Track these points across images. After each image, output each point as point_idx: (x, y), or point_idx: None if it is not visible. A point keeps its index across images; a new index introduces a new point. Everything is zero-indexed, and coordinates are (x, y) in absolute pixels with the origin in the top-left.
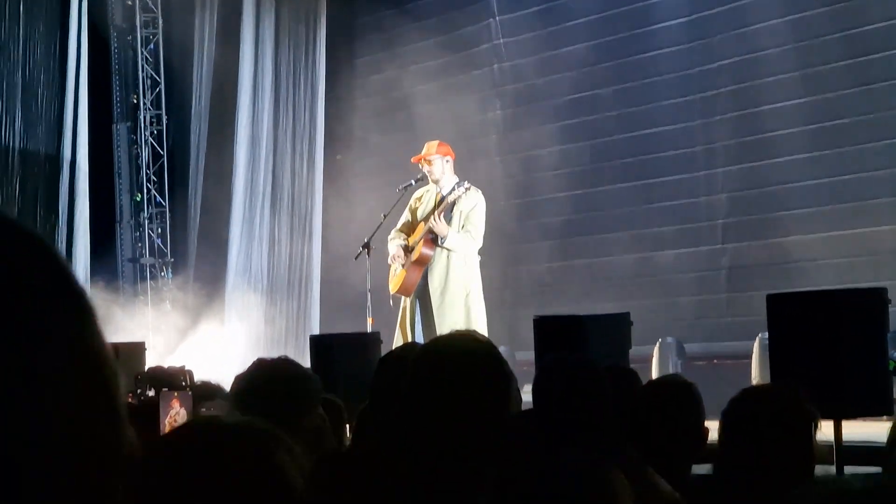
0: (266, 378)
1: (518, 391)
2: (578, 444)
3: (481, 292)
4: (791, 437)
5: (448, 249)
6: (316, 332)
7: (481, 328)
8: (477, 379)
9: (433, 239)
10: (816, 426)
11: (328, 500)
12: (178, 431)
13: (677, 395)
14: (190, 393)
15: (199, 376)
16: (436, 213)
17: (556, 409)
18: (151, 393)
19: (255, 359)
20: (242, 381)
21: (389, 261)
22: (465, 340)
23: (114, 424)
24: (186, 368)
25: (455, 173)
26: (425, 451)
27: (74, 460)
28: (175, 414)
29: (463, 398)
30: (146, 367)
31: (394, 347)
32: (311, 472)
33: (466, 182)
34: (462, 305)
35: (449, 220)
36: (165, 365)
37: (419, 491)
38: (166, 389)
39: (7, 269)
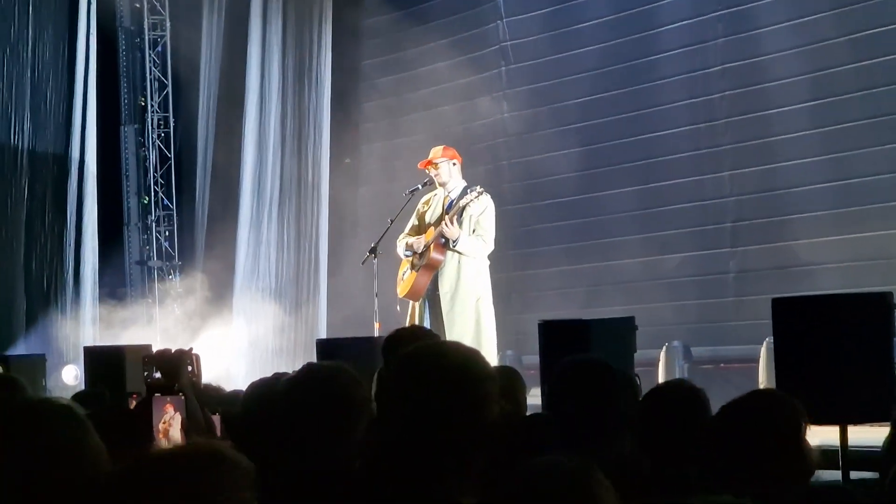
0: (318, 386)
1: (524, 395)
2: (592, 446)
3: (491, 297)
4: (777, 441)
5: (459, 253)
6: (323, 335)
7: (491, 333)
8: (448, 387)
9: (444, 243)
10: (804, 430)
11: None
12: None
13: (683, 400)
14: (182, 397)
15: (206, 378)
16: (447, 216)
17: (574, 411)
18: (158, 375)
19: (260, 363)
20: (296, 388)
21: (405, 253)
22: (438, 350)
23: None
24: (194, 351)
25: (463, 177)
26: (409, 457)
27: None
28: (169, 419)
29: (439, 405)
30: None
31: None
32: None
33: (478, 186)
34: (472, 311)
35: (459, 225)
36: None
37: (405, 493)
38: (158, 395)
39: None
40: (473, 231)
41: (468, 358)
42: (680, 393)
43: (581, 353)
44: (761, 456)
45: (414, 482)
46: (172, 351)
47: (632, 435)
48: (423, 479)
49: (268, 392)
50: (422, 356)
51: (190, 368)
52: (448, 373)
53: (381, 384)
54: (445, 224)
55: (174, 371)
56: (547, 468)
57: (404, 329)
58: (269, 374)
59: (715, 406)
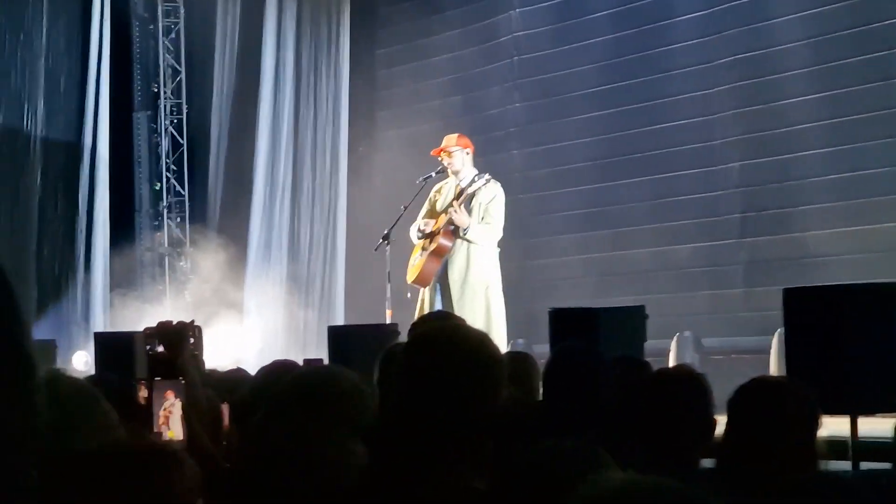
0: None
1: (537, 381)
2: (581, 433)
3: (500, 285)
4: (794, 431)
5: (468, 241)
6: (340, 322)
7: (500, 321)
8: (462, 367)
9: (453, 230)
10: (819, 423)
11: None
12: None
13: (684, 386)
14: (182, 381)
15: (217, 363)
16: (456, 203)
17: (562, 397)
18: (161, 349)
19: (271, 351)
20: (280, 391)
21: (416, 235)
22: (450, 330)
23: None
24: (195, 323)
25: (474, 166)
26: (418, 439)
27: None
28: (170, 406)
29: (449, 386)
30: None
31: None
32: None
33: (487, 174)
34: (482, 298)
35: (468, 212)
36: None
37: (414, 477)
38: (159, 379)
39: None
40: (482, 219)
41: (479, 340)
42: (681, 378)
43: (592, 341)
44: (771, 443)
45: (422, 463)
46: (174, 323)
47: (624, 421)
48: (432, 460)
49: (276, 382)
50: (432, 337)
51: (192, 341)
52: (458, 354)
53: (386, 368)
54: (455, 211)
55: (176, 343)
56: (557, 451)
57: (432, 314)
58: None
59: (725, 396)
